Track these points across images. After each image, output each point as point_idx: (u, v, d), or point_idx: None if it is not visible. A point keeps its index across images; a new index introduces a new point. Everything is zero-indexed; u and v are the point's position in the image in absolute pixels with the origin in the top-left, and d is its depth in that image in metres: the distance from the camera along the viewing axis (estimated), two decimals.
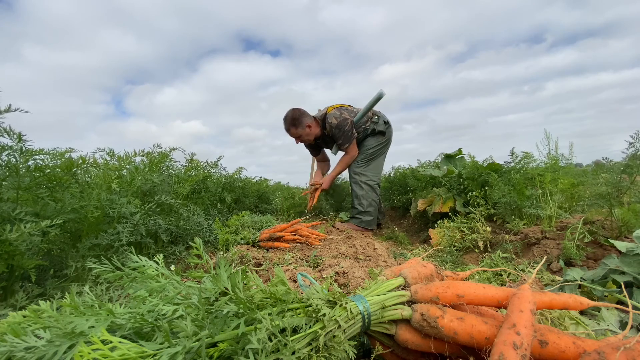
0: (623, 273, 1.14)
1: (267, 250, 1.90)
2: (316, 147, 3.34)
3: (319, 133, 3.02)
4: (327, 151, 3.41)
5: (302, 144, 3.25)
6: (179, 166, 2.63)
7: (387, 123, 3.05)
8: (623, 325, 0.95)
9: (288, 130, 2.93)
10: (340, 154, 3.12)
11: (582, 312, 1.02)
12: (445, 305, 0.71)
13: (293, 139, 3.03)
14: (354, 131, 2.92)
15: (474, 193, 2.45)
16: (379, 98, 2.84)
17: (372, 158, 3.04)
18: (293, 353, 0.56)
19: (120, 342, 0.51)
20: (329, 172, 3.32)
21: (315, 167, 3.63)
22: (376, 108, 3.12)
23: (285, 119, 2.90)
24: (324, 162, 3.49)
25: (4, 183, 1.18)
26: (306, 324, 0.62)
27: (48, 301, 0.69)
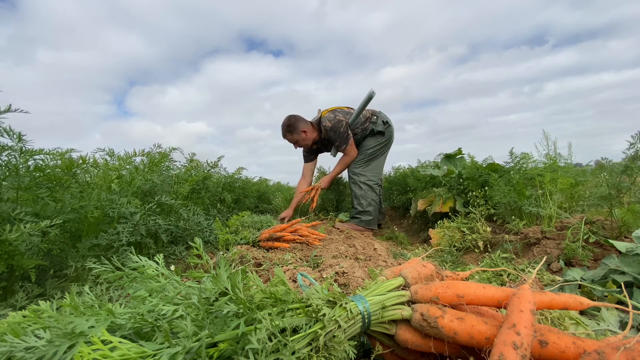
0: (623, 273, 1.14)
1: (267, 250, 1.90)
2: (314, 152, 3.30)
3: (317, 137, 3.03)
4: (323, 156, 3.39)
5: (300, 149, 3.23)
6: (179, 166, 2.63)
7: (386, 123, 3.05)
8: (623, 325, 0.95)
9: (284, 136, 2.99)
10: (340, 155, 3.13)
11: (582, 312, 1.02)
12: (445, 306, 0.71)
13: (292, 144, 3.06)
14: (349, 132, 2.94)
15: (474, 193, 2.45)
16: (369, 98, 2.86)
17: (371, 158, 3.04)
18: (293, 353, 0.56)
19: (120, 342, 0.50)
20: (328, 172, 3.32)
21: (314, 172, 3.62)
22: (377, 108, 3.13)
23: (282, 125, 2.97)
24: (306, 177, 3.27)
25: (4, 183, 1.18)
26: (306, 324, 0.62)
27: (48, 301, 0.69)
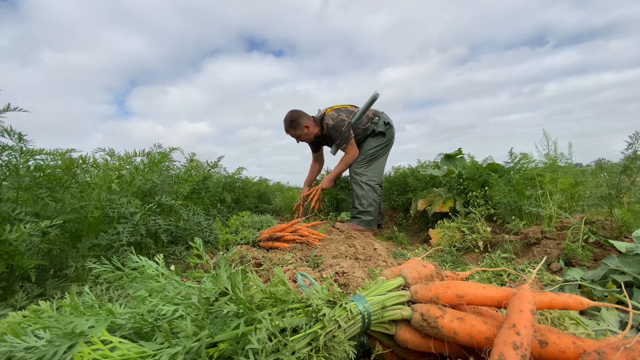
0: (623, 273, 1.14)
1: (267, 250, 1.90)
2: (318, 144, 3.42)
3: (319, 133, 3.11)
4: (327, 150, 3.43)
5: (304, 142, 3.31)
6: (179, 166, 2.63)
7: (387, 124, 3.06)
8: (623, 325, 0.95)
9: (287, 131, 3.07)
10: (341, 153, 3.14)
11: (582, 312, 1.02)
12: (445, 306, 0.71)
13: (294, 139, 3.14)
14: (351, 131, 2.97)
15: (474, 193, 2.45)
16: (373, 100, 2.91)
17: (372, 159, 3.06)
18: (293, 353, 0.56)
19: (120, 342, 0.50)
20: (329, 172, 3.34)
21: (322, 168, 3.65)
22: (379, 108, 3.14)
23: (284, 120, 3.04)
24: (317, 162, 3.53)
25: (4, 183, 1.18)
26: (306, 324, 0.62)
27: (48, 301, 0.69)
